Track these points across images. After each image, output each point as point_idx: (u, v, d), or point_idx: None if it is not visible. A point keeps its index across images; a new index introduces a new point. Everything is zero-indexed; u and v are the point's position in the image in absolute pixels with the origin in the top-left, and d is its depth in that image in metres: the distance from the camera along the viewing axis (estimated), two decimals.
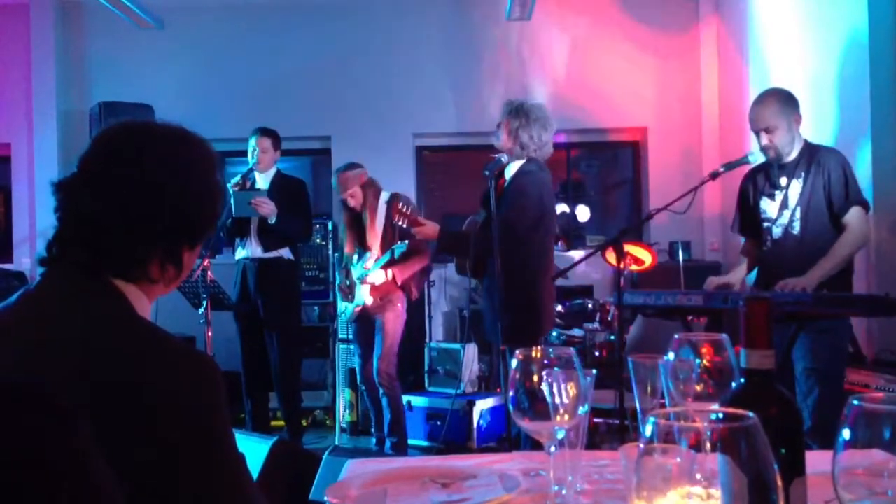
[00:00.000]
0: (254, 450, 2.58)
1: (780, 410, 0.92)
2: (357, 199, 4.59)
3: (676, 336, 1.17)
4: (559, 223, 5.73)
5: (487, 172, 3.43)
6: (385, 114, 6.79)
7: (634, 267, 5.05)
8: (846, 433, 0.72)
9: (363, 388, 4.82)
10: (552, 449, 1.18)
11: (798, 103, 3.30)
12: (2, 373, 1.05)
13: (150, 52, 6.85)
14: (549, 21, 6.80)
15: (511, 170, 3.62)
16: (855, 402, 0.72)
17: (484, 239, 3.44)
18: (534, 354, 1.17)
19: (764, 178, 3.40)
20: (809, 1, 5.07)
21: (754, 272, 3.50)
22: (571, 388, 1.15)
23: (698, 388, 1.15)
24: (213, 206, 1.26)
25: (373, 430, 4.87)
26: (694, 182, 3.43)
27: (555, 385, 1.14)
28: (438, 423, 4.98)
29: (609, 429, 4.66)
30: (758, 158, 3.44)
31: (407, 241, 4.28)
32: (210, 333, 4.69)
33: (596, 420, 4.60)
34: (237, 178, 4.89)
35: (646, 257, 5.06)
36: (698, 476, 0.67)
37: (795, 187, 3.28)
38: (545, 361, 1.17)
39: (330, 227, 6.21)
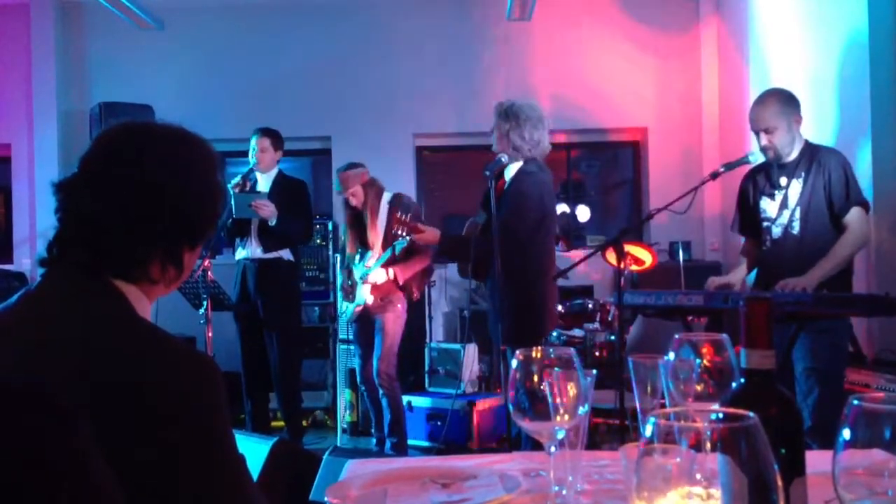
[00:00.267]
0: (254, 450, 2.58)
1: (780, 410, 0.92)
2: (359, 197, 4.59)
3: (677, 336, 1.17)
4: (559, 223, 5.73)
5: (488, 172, 3.42)
6: (385, 114, 6.79)
7: (634, 267, 5.05)
8: (846, 433, 0.72)
9: (363, 388, 4.81)
10: (552, 449, 1.18)
11: (798, 104, 3.30)
12: (2, 373, 1.05)
13: (150, 53, 6.85)
14: (550, 21, 6.80)
15: (511, 171, 3.62)
16: (855, 402, 0.72)
17: (484, 242, 3.44)
18: (534, 355, 1.17)
19: (764, 177, 3.40)
20: (809, 1, 5.06)
21: (754, 272, 3.50)
22: (572, 389, 1.15)
23: (698, 388, 1.15)
24: (214, 206, 1.26)
25: (373, 430, 4.87)
26: (694, 182, 3.43)
27: (555, 385, 1.14)
28: (439, 423, 4.98)
29: (609, 429, 4.66)
30: (758, 158, 3.44)
31: (408, 237, 4.28)
32: (210, 334, 4.69)
33: (596, 420, 4.60)
34: (237, 179, 4.89)
35: (646, 257, 5.06)
36: (698, 476, 0.67)
37: (795, 187, 3.28)
38: (545, 362, 1.17)
39: (330, 227, 6.21)
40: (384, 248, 4.51)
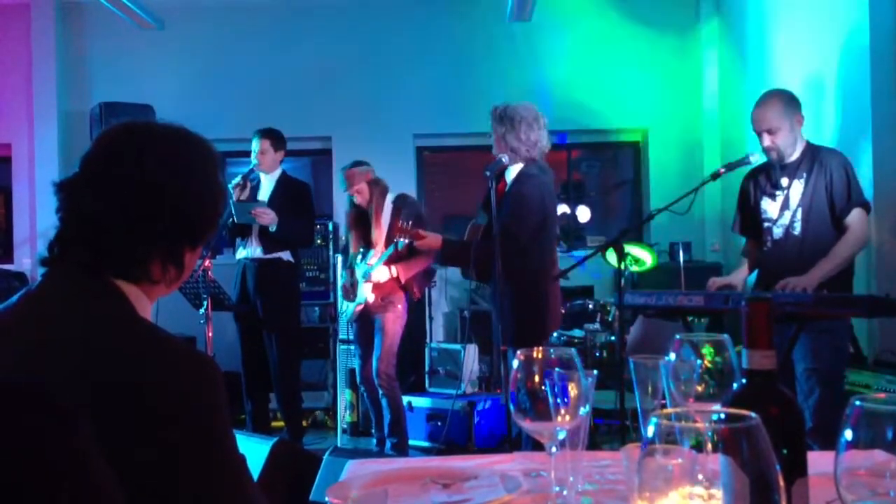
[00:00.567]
0: (254, 450, 2.58)
1: (781, 411, 0.92)
2: (363, 195, 4.59)
3: (678, 337, 1.17)
4: (559, 224, 5.72)
5: (489, 173, 3.42)
6: (385, 114, 6.79)
7: (635, 268, 5.05)
8: (848, 434, 0.72)
9: (363, 388, 4.81)
10: (553, 449, 1.18)
11: (800, 104, 3.30)
12: (2, 373, 1.05)
13: (151, 53, 6.85)
14: (550, 22, 6.80)
15: (511, 173, 3.61)
16: (857, 403, 0.72)
17: (486, 245, 3.43)
18: (535, 355, 1.17)
19: (765, 178, 3.40)
20: (810, 1, 5.06)
21: (755, 273, 3.50)
22: (573, 389, 1.15)
23: (699, 388, 1.14)
24: (215, 206, 1.26)
25: (373, 430, 4.87)
26: (694, 182, 3.43)
27: (556, 386, 1.14)
28: (439, 423, 4.98)
29: (610, 429, 4.66)
30: (759, 159, 3.44)
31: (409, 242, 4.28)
32: (210, 334, 4.69)
33: (596, 420, 4.60)
34: (238, 179, 4.89)
35: (646, 258, 5.06)
36: (700, 477, 0.67)
37: (797, 188, 3.28)
38: (546, 362, 1.16)
39: (331, 227, 6.21)
40: (386, 246, 4.51)
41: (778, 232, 3.33)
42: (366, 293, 4.57)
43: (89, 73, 6.93)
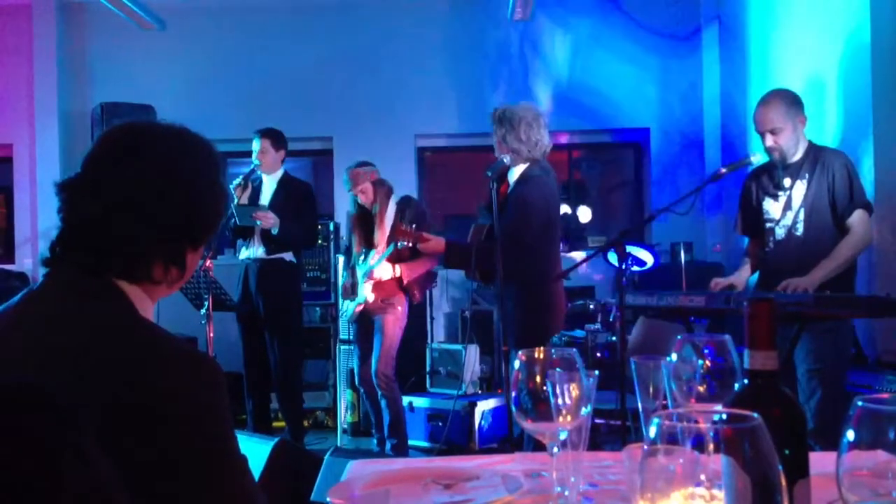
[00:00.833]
0: (255, 450, 2.58)
1: (783, 411, 0.92)
2: (368, 195, 4.59)
3: (679, 337, 1.17)
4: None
5: (490, 173, 3.42)
6: (386, 115, 6.79)
7: (636, 268, 5.05)
8: (851, 434, 0.72)
9: (362, 389, 4.81)
10: (555, 450, 1.17)
11: (803, 104, 3.30)
12: (4, 373, 1.05)
13: (152, 53, 6.86)
14: (551, 21, 6.80)
15: (514, 174, 3.61)
16: (860, 403, 0.72)
17: (489, 249, 3.44)
18: (536, 355, 1.17)
19: (767, 178, 3.39)
20: (811, 1, 5.06)
21: (756, 273, 3.50)
22: (574, 389, 1.14)
23: (701, 389, 1.14)
24: (216, 206, 1.26)
25: (373, 431, 4.87)
26: (696, 183, 3.44)
27: (557, 386, 1.14)
28: (440, 423, 4.98)
29: (611, 430, 4.65)
30: (760, 159, 3.44)
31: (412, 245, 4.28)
32: (212, 334, 4.69)
33: (597, 421, 4.60)
34: (239, 180, 4.89)
35: (647, 258, 5.06)
36: (702, 477, 0.67)
37: (799, 188, 3.27)
38: (548, 362, 1.16)
39: (331, 227, 6.21)
40: (387, 246, 4.51)
41: (780, 232, 3.33)
42: (366, 293, 4.57)
43: (90, 73, 6.94)
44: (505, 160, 3.54)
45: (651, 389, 1.25)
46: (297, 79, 6.79)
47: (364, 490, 1.33)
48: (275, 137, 4.94)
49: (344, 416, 5.55)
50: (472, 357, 5.26)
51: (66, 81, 6.90)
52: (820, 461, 0.97)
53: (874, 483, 0.72)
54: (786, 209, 3.31)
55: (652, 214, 3.50)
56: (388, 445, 4.63)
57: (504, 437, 4.89)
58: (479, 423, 4.94)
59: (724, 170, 3.34)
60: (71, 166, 1.12)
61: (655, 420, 0.67)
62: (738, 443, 0.65)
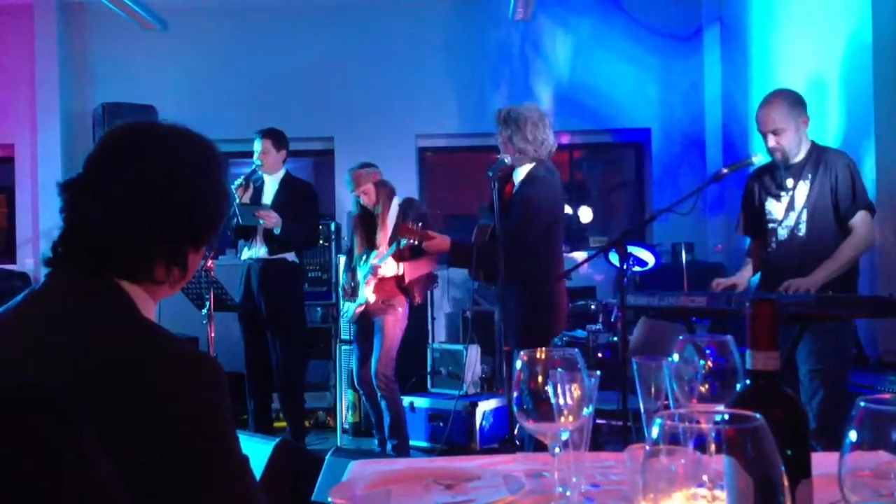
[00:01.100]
0: (257, 450, 2.59)
1: (785, 412, 0.92)
2: (370, 196, 4.60)
3: (681, 337, 1.17)
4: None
5: (491, 174, 3.42)
6: (388, 115, 6.79)
7: (637, 268, 5.05)
8: (853, 434, 0.72)
9: (361, 390, 4.81)
10: (557, 450, 1.17)
11: (805, 105, 3.29)
12: (6, 373, 1.05)
13: (154, 54, 6.86)
14: (552, 22, 6.80)
15: (519, 174, 3.61)
16: (862, 404, 0.72)
17: (492, 249, 3.44)
18: (538, 356, 1.17)
19: (770, 179, 3.38)
20: (812, 2, 5.06)
21: (758, 274, 3.49)
22: (576, 390, 1.14)
23: (703, 389, 1.14)
24: (218, 207, 1.26)
25: (374, 431, 4.87)
26: (697, 183, 3.44)
27: (559, 386, 1.14)
28: (441, 424, 4.98)
29: (612, 430, 4.65)
30: (761, 159, 3.43)
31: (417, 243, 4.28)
32: (213, 334, 4.70)
33: (599, 421, 4.59)
34: (240, 180, 4.89)
35: (649, 258, 5.06)
36: (704, 478, 0.67)
37: (802, 189, 3.27)
38: (549, 363, 1.16)
39: (332, 228, 6.21)
40: (389, 245, 4.51)
41: (783, 233, 3.32)
42: (367, 293, 4.57)
43: (92, 73, 6.94)
44: (506, 160, 3.54)
45: (653, 390, 1.25)
46: (299, 79, 6.79)
47: (365, 490, 1.33)
48: (276, 138, 4.94)
49: (345, 417, 5.55)
50: (473, 357, 5.26)
51: (68, 81, 6.90)
52: (822, 462, 0.97)
53: (876, 484, 0.72)
54: (788, 210, 3.30)
55: (653, 214, 3.49)
56: (389, 446, 4.63)
57: (505, 438, 4.90)
58: (480, 424, 4.94)
59: (725, 170, 3.34)
60: (72, 166, 1.12)
61: (657, 420, 0.67)
62: (740, 443, 0.65)
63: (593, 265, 5.90)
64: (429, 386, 5.40)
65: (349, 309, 4.77)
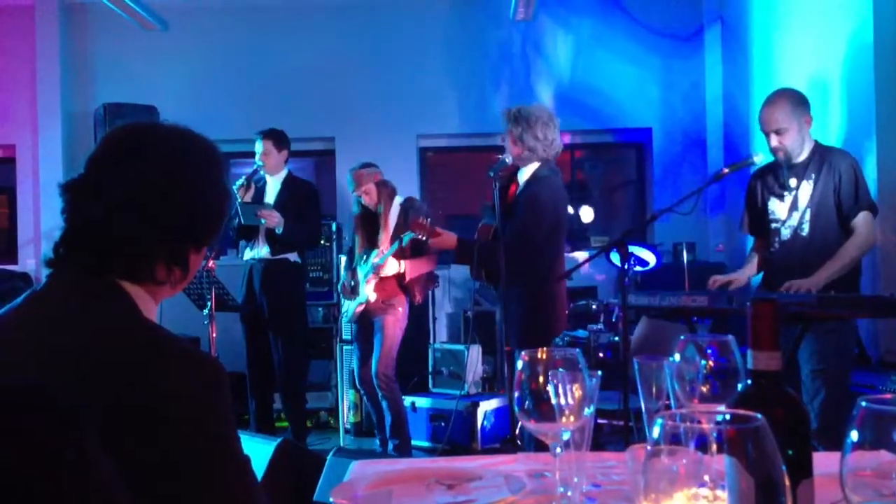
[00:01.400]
0: (258, 450, 2.59)
1: (787, 412, 0.92)
2: (371, 196, 4.61)
3: (682, 337, 1.17)
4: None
5: (492, 174, 3.43)
6: (389, 115, 6.80)
7: (639, 268, 5.04)
8: (854, 434, 0.72)
9: (362, 390, 4.81)
10: (558, 450, 1.17)
11: (809, 104, 3.28)
12: (7, 374, 1.05)
13: (155, 54, 6.86)
14: (553, 22, 6.80)
15: (524, 175, 3.62)
16: (863, 404, 0.72)
17: (494, 249, 3.44)
18: (539, 356, 1.17)
19: (773, 178, 3.38)
20: (813, 1, 5.05)
21: (760, 274, 3.49)
22: (577, 390, 1.14)
23: (704, 389, 1.14)
24: (219, 207, 1.26)
25: (376, 431, 4.87)
26: (698, 183, 3.43)
27: (560, 386, 1.14)
28: (442, 424, 4.98)
29: (613, 430, 4.65)
30: (762, 159, 3.43)
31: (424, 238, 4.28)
32: (214, 334, 4.70)
33: (600, 421, 4.59)
34: (241, 180, 4.89)
35: (650, 258, 5.05)
36: (705, 478, 0.67)
37: (806, 189, 3.26)
38: (551, 363, 1.16)
39: (334, 228, 6.21)
40: (391, 244, 4.52)
41: (786, 233, 3.32)
42: (367, 292, 4.57)
43: (93, 74, 6.95)
44: (507, 160, 3.55)
45: (654, 390, 1.25)
46: (300, 79, 6.80)
47: (367, 490, 1.33)
48: (277, 138, 4.94)
49: (346, 417, 5.55)
50: (474, 357, 5.26)
51: (69, 82, 6.91)
52: (823, 461, 0.97)
53: (878, 483, 0.72)
54: (792, 209, 3.30)
55: (654, 214, 3.49)
56: (390, 446, 4.63)
57: (506, 438, 4.90)
58: (482, 424, 4.94)
59: (726, 170, 3.33)
60: (74, 167, 1.12)
61: (659, 420, 0.67)
62: (741, 443, 0.65)
63: (594, 265, 5.90)
64: (430, 386, 5.40)
65: (349, 308, 4.77)
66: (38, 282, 4.60)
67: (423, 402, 5.15)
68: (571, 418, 1.14)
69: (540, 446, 1.22)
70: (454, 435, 4.86)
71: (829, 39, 4.75)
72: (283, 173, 4.99)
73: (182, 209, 1.19)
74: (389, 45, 6.85)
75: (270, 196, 4.94)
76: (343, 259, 5.11)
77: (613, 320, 5.03)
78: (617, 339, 4.87)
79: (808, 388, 3.13)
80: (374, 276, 4.56)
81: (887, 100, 4.19)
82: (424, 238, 3.64)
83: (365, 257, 4.67)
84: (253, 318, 4.91)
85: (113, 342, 1.06)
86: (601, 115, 6.77)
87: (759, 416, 0.67)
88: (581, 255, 5.90)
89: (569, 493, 1.20)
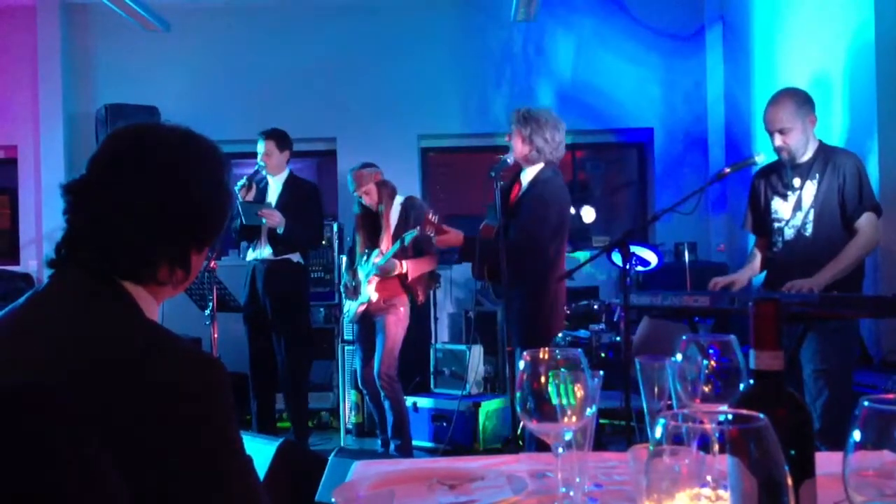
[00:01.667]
0: (260, 451, 2.59)
1: (789, 411, 0.92)
2: (372, 196, 4.61)
3: (684, 337, 1.17)
4: None
5: (494, 174, 3.43)
6: (390, 115, 6.80)
7: (640, 268, 5.04)
8: (857, 434, 0.72)
9: (364, 390, 4.81)
10: (560, 450, 1.17)
11: (813, 104, 3.28)
12: (9, 375, 1.05)
13: (156, 55, 6.87)
14: (555, 22, 6.80)
15: (528, 175, 3.63)
16: (866, 404, 0.71)
17: (496, 250, 3.44)
18: (541, 356, 1.17)
19: (776, 178, 3.37)
20: (815, 1, 5.05)
21: (762, 274, 3.48)
22: (579, 390, 1.14)
23: (706, 389, 1.14)
24: (221, 208, 1.26)
25: (377, 431, 4.87)
26: (700, 182, 3.43)
27: (562, 386, 1.14)
28: (444, 424, 4.98)
29: (615, 430, 4.65)
30: (764, 159, 3.43)
31: (417, 230, 4.28)
32: (216, 334, 4.70)
33: (602, 421, 4.59)
34: (243, 181, 4.89)
35: (651, 258, 5.05)
36: (708, 478, 0.67)
37: (810, 189, 3.25)
38: (552, 363, 1.16)
39: (335, 228, 6.21)
40: (392, 243, 4.52)
41: (789, 233, 3.31)
42: (369, 292, 4.57)
43: (95, 75, 6.95)
44: (509, 160, 3.55)
45: (656, 390, 1.25)
46: (301, 79, 6.80)
47: (369, 490, 1.33)
48: (279, 139, 4.94)
49: (348, 417, 5.55)
50: (476, 357, 5.26)
51: (71, 83, 6.92)
52: (826, 461, 0.97)
53: (880, 483, 0.72)
54: (795, 209, 3.29)
55: (656, 214, 3.49)
56: (392, 446, 4.63)
57: (508, 438, 4.89)
58: (483, 424, 4.94)
59: (728, 169, 3.33)
60: (75, 168, 1.12)
61: (661, 420, 0.67)
62: (743, 443, 0.65)
63: (596, 265, 5.89)
64: (432, 386, 5.40)
65: (351, 308, 4.78)
66: (39, 283, 4.60)
67: (424, 402, 5.15)
68: (573, 418, 1.14)
69: (542, 446, 1.22)
70: (456, 435, 4.86)
71: (830, 39, 4.75)
72: (285, 174, 4.99)
73: (184, 210, 1.19)
74: (391, 45, 6.85)
75: (272, 196, 4.94)
76: (344, 259, 5.11)
77: (615, 320, 5.03)
78: (619, 339, 4.86)
79: (811, 388, 3.13)
80: (376, 276, 4.56)
81: (889, 99, 4.19)
82: (432, 235, 3.64)
83: (366, 257, 4.67)
84: (256, 318, 4.91)
85: (114, 342, 1.06)
86: (602, 115, 6.77)
87: (761, 415, 0.67)
88: (583, 255, 5.90)
89: (571, 494, 1.20)
